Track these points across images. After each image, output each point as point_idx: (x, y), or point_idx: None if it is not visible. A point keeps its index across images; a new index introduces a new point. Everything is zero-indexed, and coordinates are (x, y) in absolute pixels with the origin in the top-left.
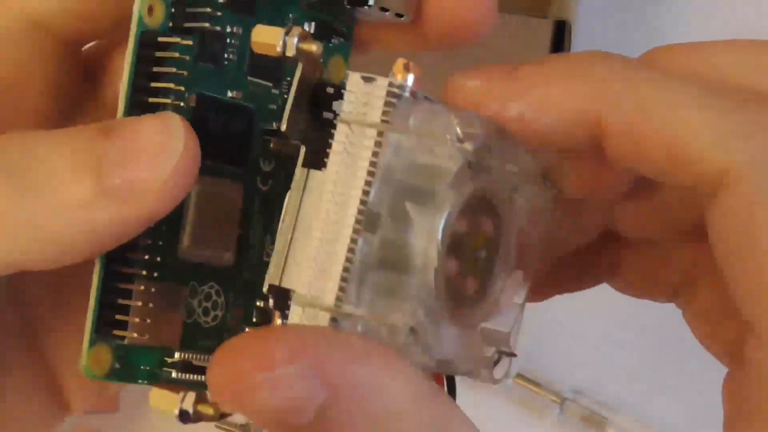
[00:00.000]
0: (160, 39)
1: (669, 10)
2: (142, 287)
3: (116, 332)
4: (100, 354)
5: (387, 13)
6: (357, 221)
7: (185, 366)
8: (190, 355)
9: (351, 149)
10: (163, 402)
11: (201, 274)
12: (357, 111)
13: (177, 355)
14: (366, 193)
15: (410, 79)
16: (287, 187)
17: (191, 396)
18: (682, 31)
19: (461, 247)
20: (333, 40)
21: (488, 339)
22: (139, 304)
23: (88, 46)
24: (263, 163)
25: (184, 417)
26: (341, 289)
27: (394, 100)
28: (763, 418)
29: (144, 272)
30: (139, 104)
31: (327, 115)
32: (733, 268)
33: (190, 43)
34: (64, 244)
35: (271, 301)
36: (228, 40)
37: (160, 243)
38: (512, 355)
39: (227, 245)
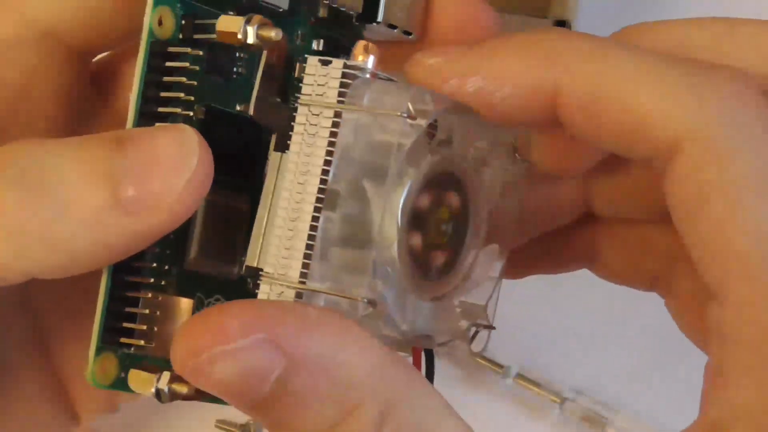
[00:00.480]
0: (170, 49)
1: (669, 10)
2: (149, 295)
3: (123, 340)
4: (106, 363)
5: (395, 31)
6: (317, 200)
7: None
8: None
9: (311, 130)
10: (140, 383)
11: (207, 287)
12: (316, 93)
13: None
14: (325, 172)
15: (370, 60)
16: None
17: (166, 375)
18: None
19: (425, 221)
20: (341, 56)
21: (465, 312)
22: (146, 312)
23: (99, 56)
24: None
25: (159, 396)
26: (305, 266)
27: (349, 81)
28: (734, 385)
29: (152, 280)
30: (149, 114)
31: None
32: (690, 233)
33: (200, 53)
34: (76, 253)
35: (249, 282)
36: (237, 54)
37: (168, 252)
38: (490, 327)
39: (234, 258)
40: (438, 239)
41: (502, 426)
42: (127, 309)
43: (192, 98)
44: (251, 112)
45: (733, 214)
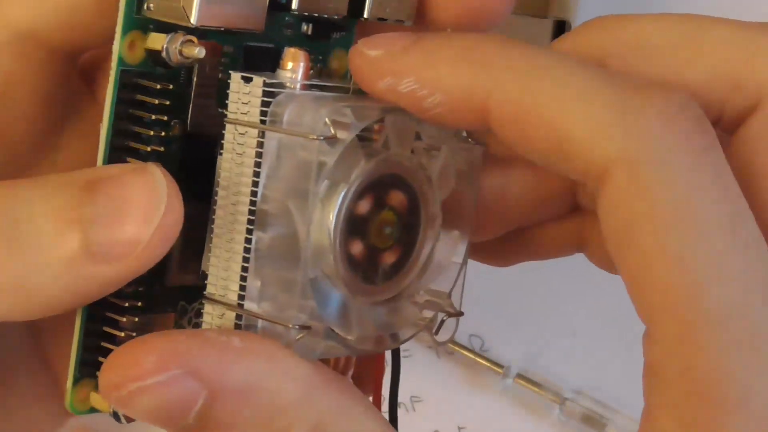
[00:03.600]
0: (140, 81)
1: (669, 10)
2: (125, 319)
3: (101, 359)
4: (85, 390)
5: (386, 21)
6: (248, 221)
7: None
8: None
9: (238, 149)
10: (100, 404)
11: (190, 294)
12: (240, 111)
13: None
14: (254, 193)
15: (300, 67)
16: None
17: None
18: None
19: (367, 228)
20: (334, 35)
21: (429, 302)
22: (122, 335)
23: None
24: None
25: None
26: (242, 288)
27: (270, 100)
28: (659, 423)
29: (126, 305)
30: (123, 132)
31: None
32: (620, 265)
33: (169, 87)
34: (49, 300)
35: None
36: (221, 59)
37: (147, 276)
38: (458, 314)
39: None
40: (382, 242)
41: (502, 426)
42: (106, 328)
43: (164, 118)
44: (188, 128)
45: (658, 248)
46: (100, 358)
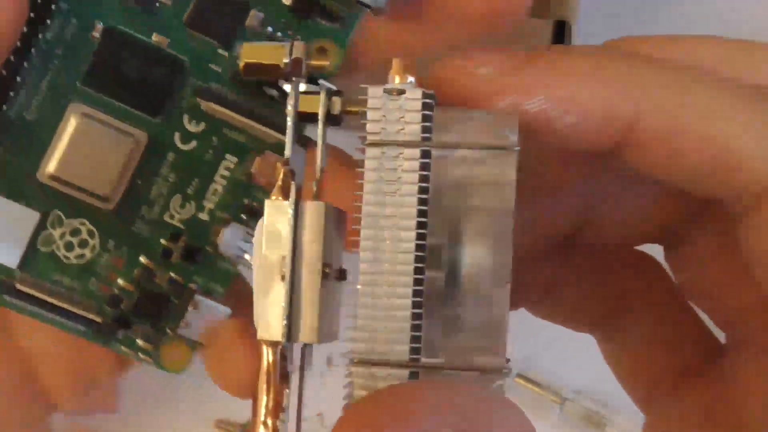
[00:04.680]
0: None
1: (669, 10)
2: None
3: None
4: None
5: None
6: (418, 258)
7: (20, 293)
8: (34, 283)
9: (388, 176)
10: None
11: (70, 207)
12: (387, 130)
13: (18, 277)
14: (422, 225)
15: (410, 81)
16: (216, 153)
17: None
18: (683, 31)
19: None
20: (322, 21)
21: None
22: None
23: None
24: (189, 121)
25: None
26: (414, 339)
27: (431, 113)
28: None
29: None
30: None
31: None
32: None
33: None
34: None
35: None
36: None
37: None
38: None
39: (109, 189)
40: None
41: None
42: None
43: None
44: (287, 154)
45: None
46: None
